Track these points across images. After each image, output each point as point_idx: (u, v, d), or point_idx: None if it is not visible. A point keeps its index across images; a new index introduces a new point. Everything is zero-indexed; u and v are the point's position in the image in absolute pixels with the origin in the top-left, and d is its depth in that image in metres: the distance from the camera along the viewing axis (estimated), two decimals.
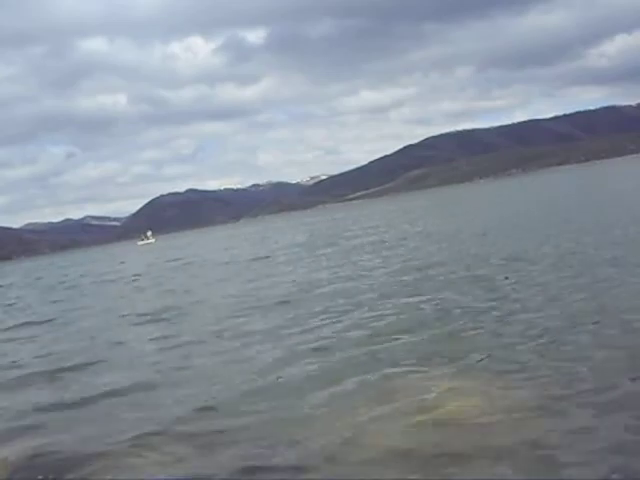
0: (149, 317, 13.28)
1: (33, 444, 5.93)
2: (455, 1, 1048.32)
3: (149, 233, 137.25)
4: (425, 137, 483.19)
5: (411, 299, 10.38)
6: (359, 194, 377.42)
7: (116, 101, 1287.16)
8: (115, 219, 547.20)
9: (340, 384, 6.33)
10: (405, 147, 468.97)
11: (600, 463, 4.00)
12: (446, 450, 4.49)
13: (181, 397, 6.84)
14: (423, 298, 10.24)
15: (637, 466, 3.96)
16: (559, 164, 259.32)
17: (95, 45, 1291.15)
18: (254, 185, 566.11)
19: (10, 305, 23.48)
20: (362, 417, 5.33)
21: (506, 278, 10.71)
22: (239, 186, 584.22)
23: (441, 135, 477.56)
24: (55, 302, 21.29)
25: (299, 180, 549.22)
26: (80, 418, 6.70)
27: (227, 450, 5.13)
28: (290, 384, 6.71)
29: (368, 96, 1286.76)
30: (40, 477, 5.18)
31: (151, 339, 10.66)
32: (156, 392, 7.31)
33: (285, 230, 65.20)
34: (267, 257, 26.01)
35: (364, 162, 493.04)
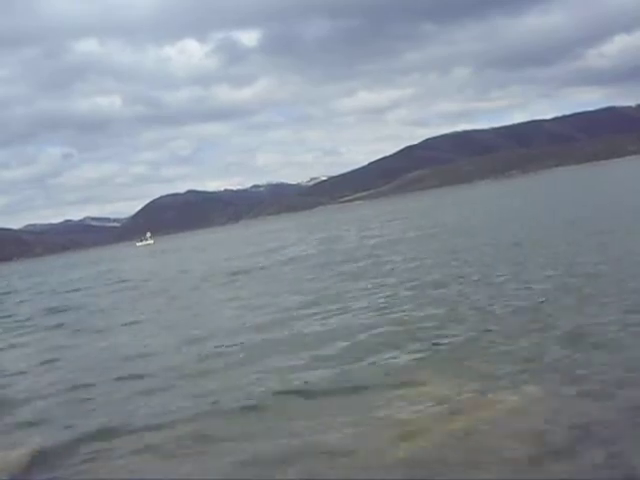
0: None
1: (35, 443, 5.91)
2: (453, 2, 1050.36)
3: (148, 235, 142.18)
4: (424, 138, 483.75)
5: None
6: (359, 195, 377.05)
7: (112, 102, 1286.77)
8: (115, 220, 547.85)
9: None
10: (404, 148, 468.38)
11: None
12: (467, 458, 4.46)
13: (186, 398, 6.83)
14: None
15: None
16: (558, 165, 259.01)
17: (90, 47, 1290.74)
18: (254, 186, 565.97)
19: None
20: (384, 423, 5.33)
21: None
22: (239, 187, 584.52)
23: (440, 136, 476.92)
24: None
25: (299, 181, 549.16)
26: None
27: (230, 451, 5.08)
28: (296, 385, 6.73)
29: (366, 97, 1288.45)
30: (41, 476, 5.19)
31: None
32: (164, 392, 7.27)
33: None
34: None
35: (364, 163, 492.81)
